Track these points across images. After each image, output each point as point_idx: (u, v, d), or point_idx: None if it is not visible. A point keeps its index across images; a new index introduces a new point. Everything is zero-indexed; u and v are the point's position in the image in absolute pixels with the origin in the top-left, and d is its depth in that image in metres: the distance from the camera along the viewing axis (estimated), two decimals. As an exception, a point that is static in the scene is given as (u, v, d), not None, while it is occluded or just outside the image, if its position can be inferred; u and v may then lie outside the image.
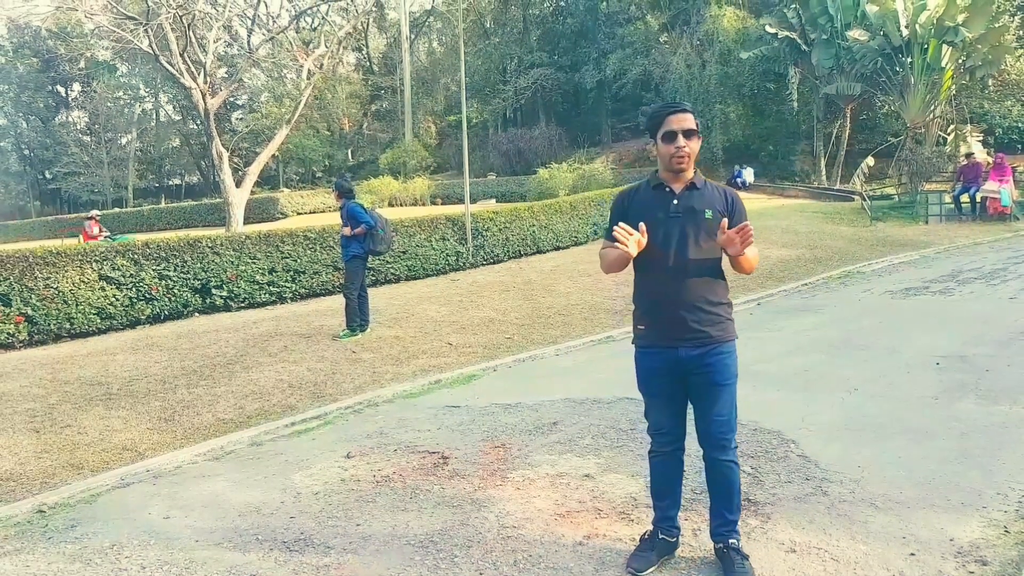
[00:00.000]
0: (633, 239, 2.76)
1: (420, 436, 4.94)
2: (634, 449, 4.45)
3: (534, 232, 15.02)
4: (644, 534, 3.17)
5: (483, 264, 13.86)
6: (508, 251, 14.44)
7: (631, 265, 2.97)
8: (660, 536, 3.09)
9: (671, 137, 2.84)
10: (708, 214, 2.86)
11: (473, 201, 18.61)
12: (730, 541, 2.99)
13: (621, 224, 2.78)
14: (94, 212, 22.40)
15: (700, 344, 2.86)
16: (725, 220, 2.78)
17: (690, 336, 2.86)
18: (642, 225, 2.80)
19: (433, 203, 31.92)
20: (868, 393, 5.35)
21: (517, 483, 4.04)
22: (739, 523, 3.06)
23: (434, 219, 13.20)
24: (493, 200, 28.87)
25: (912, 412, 4.88)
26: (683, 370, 2.90)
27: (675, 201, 2.89)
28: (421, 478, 4.19)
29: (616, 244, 2.78)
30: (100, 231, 19.36)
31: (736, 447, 2.99)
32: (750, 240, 2.76)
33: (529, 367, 6.94)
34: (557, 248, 15.60)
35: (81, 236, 18.71)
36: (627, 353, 7.22)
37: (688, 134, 2.84)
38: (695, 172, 2.94)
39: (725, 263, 2.95)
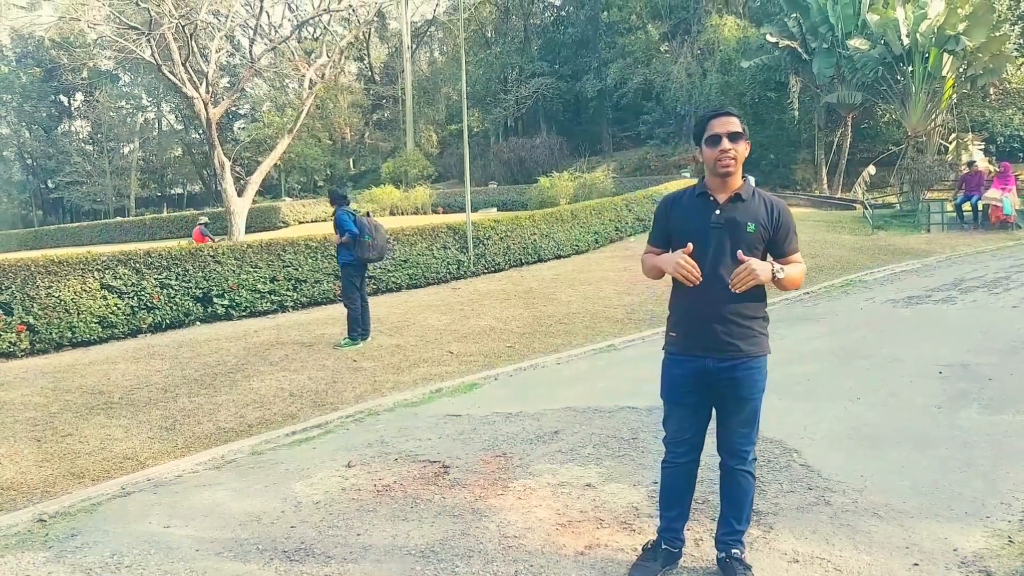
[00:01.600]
0: (695, 273, 2.73)
1: (421, 445, 4.93)
2: (636, 458, 4.44)
3: (535, 241, 15.03)
4: (647, 544, 3.15)
5: (484, 273, 13.86)
6: (509, 260, 14.45)
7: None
8: (663, 546, 3.06)
9: (715, 141, 2.79)
10: (751, 227, 2.80)
11: (474, 210, 18.63)
12: (733, 551, 2.98)
13: (687, 259, 2.73)
14: (203, 217, 23.22)
15: (729, 357, 2.82)
16: (740, 252, 2.74)
17: (720, 348, 2.82)
18: (690, 246, 2.76)
19: (434, 212, 31.97)
20: (870, 402, 5.33)
21: (518, 492, 4.02)
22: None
23: (435, 228, 13.21)
24: (494, 209, 28.91)
25: (915, 421, 4.86)
26: (709, 381, 2.87)
27: (717, 212, 2.83)
28: (422, 487, 4.18)
29: (677, 270, 2.75)
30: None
31: (755, 459, 2.98)
32: (741, 287, 2.70)
33: (530, 376, 6.92)
34: (558, 257, 15.61)
35: (193, 238, 19.49)
36: (629, 361, 7.22)
37: (733, 137, 2.78)
38: (744, 182, 2.87)
39: None
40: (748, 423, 2.93)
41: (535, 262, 15.00)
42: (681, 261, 2.73)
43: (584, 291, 11.40)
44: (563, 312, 9.83)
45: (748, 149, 2.84)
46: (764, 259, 2.85)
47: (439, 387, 6.50)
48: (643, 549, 3.14)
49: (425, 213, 31.92)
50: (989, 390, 5.45)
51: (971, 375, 5.88)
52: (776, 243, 2.87)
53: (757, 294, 2.84)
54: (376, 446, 4.97)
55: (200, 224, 20.60)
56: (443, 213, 30.55)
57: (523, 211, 19.63)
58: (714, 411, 3.00)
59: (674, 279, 2.90)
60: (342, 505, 3.99)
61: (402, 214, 31.84)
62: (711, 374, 2.84)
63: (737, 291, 2.71)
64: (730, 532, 3.00)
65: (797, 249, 2.92)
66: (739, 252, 2.73)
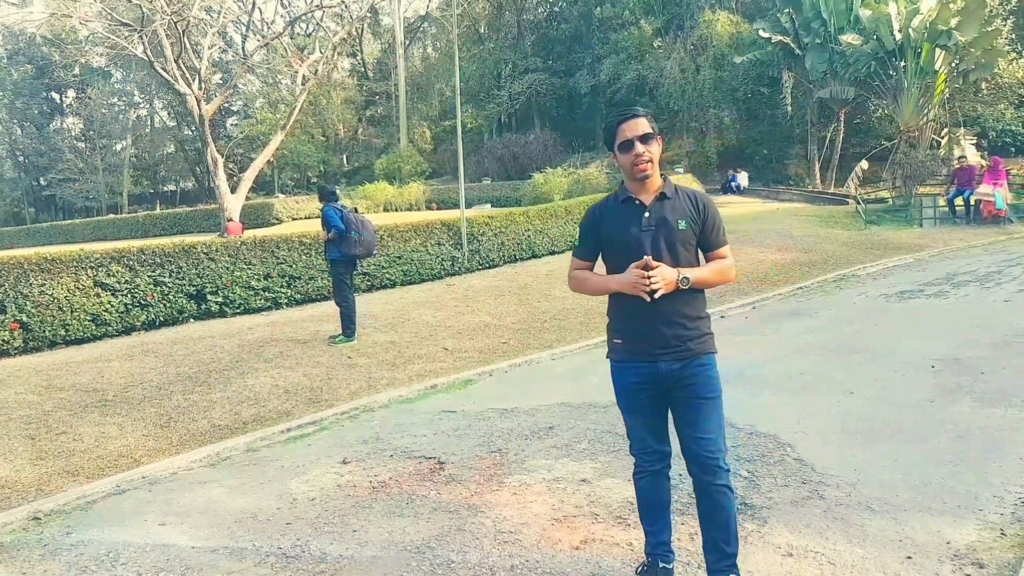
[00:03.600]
0: (659, 285, 2.64)
1: (416, 441, 4.94)
2: (631, 453, 4.45)
3: (529, 237, 15.03)
4: (639, 569, 2.98)
5: (479, 269, 13.86)
6: (504, 256, 14.44)
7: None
8: (660, 564, 2.91)
9: (628, 146, 2.72)
10: (682, 224, 2.74)
11: (468, 206, 18.62)
12: None
13: (643, 273, 2.63)
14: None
15: (680, 357, 2.73)
16: (647, 258, 2.64)
17: (670, 349, 2.72)
18: (646, 259, 2.65)
19: (428, 208, 31.93)
20: (864, 396, 5.36)
21: (513, 488, 4.03)
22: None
23: (429, 224, 13.20)
24: (488, 205, 28.91)
25: (908, 415, 4.89)
26: (664, 385, 2.76)
27: (646, 214, 2.75)
28: (417, 484, 4.18)
29: (638, 288, 2.65)
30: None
31: (728, 470, 2.78)
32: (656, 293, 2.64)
33: (525, 372, 6.93)
34: (552, 253, 15.61)
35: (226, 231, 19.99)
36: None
37: (645, 139, 2.71)
38: (664, 181, 2.81)
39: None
40: (712, 427, 2.76)
41: (529, 258, 15.00)
42: (639, 279, 2.64)
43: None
44: (557, 308, 9.84)
45: (661, 146, 2.78)
46: (696, 254, 2.81)
47: (434, 383, 6.51)
48: (637, 574, 2.98)
49: (419, 209, 31.88)
50: (981, 384, 5.48)
51: (964, 369, 5.92)
52: (704, 237, 2.79)
53: (699, 294, 2.79)
54: (371, 443, 4.98)
55: (229, 221, 20.83)
56: (437, 209, 30.52)
57: (517, 207, 19.63)
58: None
59: None
60: (337, 502, 3.99)
61: (396, 210, 31.78)
62: (664, 377, 2.74)
63: (652, 296, 2.64)
64: (721, 557, 2.77)
65: (725, 242, 2.85)
66: (646, 258, 2.64)
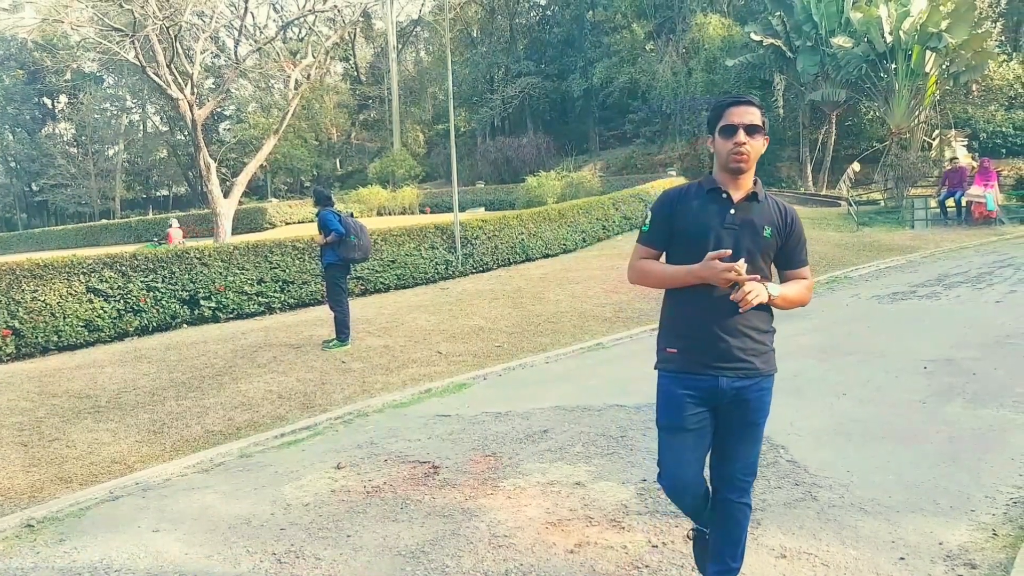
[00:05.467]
0: (743, 276, 2.39)
1: (410, 446, 4.93)
2: (624, 456, 4.46)
3: (523, 240, 15.05)
4: (690, 534, 2.90)
5: (472, 272, 13.87)
6: (497, 259, 14.45)
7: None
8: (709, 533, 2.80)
9: (730, 131, 2.47)
10: (767, 232, 2.51)
11: (462, 210, 18.63)
12: None
13: (726, 264, 2.37)
14: (174, 220, 24.11)
15: (747, 376, 2.51)
16: (742, 262, 2.41)
17: (736, 365, 2.49)
18: (724, 252, 2.40)
19: (422, 212, 31.94)
20: (857, 397, 5.38)
21: (508, 492, 4.04)
22: None
23: (423, 228, 13.20)
24: (482, 208, 28.93)
25: (900, 416, 4.91)
26: (718, 402, 2.54)
27: (732, 211, 2.51)
28: (412, 488, 4.18)
29: (720, 278, 2.39)
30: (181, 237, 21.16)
31: (752, 489, 2.69)
32: (745, 305, 2.40)
33: (519, 375, 6.94)
34: (546, 256, 15.63)
35: (166, 240, 20.50)
36: (617, 360, 7.23)
37: (751, 130, 2.46)
38: (756, 181, 2.57)
39: None
40: (753, 452, 2.64)
41: (523, 261, 15.02)
42: (724, 271, 2.37)
43: (572, 290, 11.42)
44: (551, 311, 9.85)
45: (766, 145, 2.55)
46: (770, 267, 2.61)
47: (428, 387, 6.50)
48: (690, 538, 2.90)
49: (412, 213, 31.89)
50: (973, 385, 5.51)
51: (955, 370, 5.95)
52: (787, 252, 2.58)
53: (769, 307, 2.57)
54: (365, 447, 4.97)
55: (170, 228, 21.80)
56: (431, 213, 30.53)
57: (511, 211, 19.64)
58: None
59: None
60: (332, 507, 3.99)
61: (389, 214, 31.79)
62: (722, 394, 2.51)
63: (742, 308, 2.41)
64: (724, 570, 2.71)
65: (807, 262, 2.65)
66: (741, 261, 2.40)
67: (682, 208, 2.59)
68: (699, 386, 2.53)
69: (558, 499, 3.90)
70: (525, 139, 37.80)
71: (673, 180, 25.33)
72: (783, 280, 2.64)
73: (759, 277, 2.45)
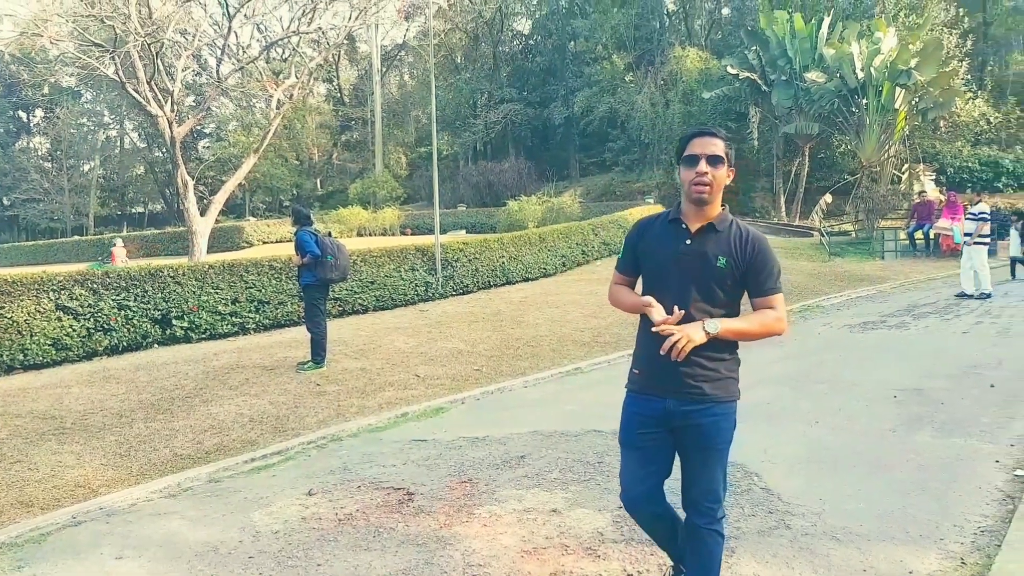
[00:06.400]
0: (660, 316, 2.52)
1: (385, 472, 4.88)
2: (601, 483, 4.45)
3: (503, 263, 15.08)
4: (667, 573, 2.96)
5: (453, 295, 13.85)
6: (478, 282, 14.46)
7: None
8: (683, 568, 2.86)
9: (692, 161, 2.53)
10: (721, 261, 2.53)
11: (443, 232, 18.64)
12: None
13: (651, 302, 2.55)
14: (118, 240, 24.17)
15: (692, 400, 2.56)
16: (676, 315, 2.49)
17: (683, 389, 2.56)
18: (675, 315, 2.50)
19: (403, 233, 31.93)
20: (829, 426, 5.43)
21: (484, 519, 4.00)
22: None
23: (403, 249, 13.19)
24: (463, 231, 29.01)
25: (871, 445, 4.96)
26: (671, 425, 2.61)
27: (687, 241, 2.58)
28: (385, 516, 4.13)
29: (644, 308, 2.58)
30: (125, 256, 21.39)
31: (724, 517, 2.71)
32: (676, 355, 2.45)
33: (497, 399, 6.91)
34: (526, 279, 15.67)
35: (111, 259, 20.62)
36: (595, 385, 7.25)
37: (713, 160, 2.52)
38: (723, 210, 2.62)
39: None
40: (713, 478, 2.64)
41: (503, 284, 15.03)
42: (657, 326, 2.51)
43: (551, 314, 11.44)
44: (531, 335, 9.85)
45: (730, 177, 2.59)
46: (736, 295, 2.62)
47: (405, 411, 6.45)
48: None
49: (393, 234, 31.87)
50: (941, 414, 5.59)
51: (924, 399, 6.03)
52: (749, 280, 2.59)
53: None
54: (338, 473, 4.91)
55: (115, 246, 22.02)
56: (412, 235, 30.54)
57: (492, 234, 19.71)
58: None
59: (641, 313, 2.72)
60: (302, 535, 3.92)
61: (370, 235, 31.73)
62: (673, 417, 2.59)
63: (676, 358, 2.46)
64: None
65: (777, 291, 2.61)
66: (675, 309, 2.50)
67: (646, 237, 2.71)
68: (651, 406, 2.64)
69: (534, 527, 3.87)
70: (507, 164, 38.07)
71: (651, 207, 25.59)
72: (753, 309, 2.66)
73: (682, 331, 2.46)
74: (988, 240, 12.03)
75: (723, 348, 2.59)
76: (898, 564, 3.28)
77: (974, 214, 11.90)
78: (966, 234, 12.02)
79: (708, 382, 2.56)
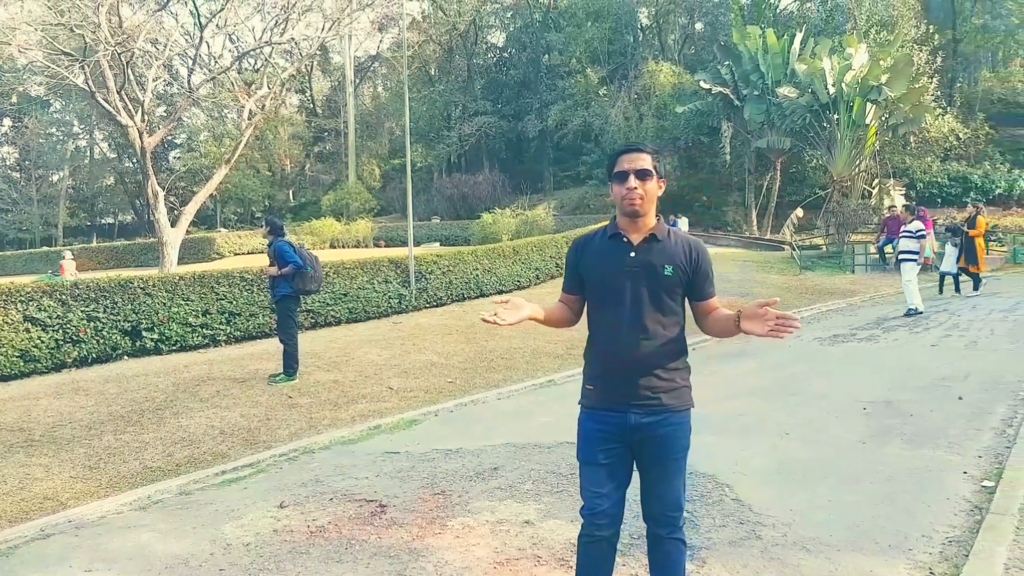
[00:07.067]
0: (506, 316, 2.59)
1: (357, 484, 4.85)
2: (574, 494, 4.45)
3: (477, 276, 15.09)
4: None
5: (426, 307, 13.82)
6: (451, 294, 14.44)
7: (584, 319, 2.80)
8: None
9: (622, 177, 2.59)
10: (668, 270, 2.59)
11: (417, 244, 18.62)
12: None
13: (499, 301, 2.60)
14: (67, 253, 23.93)
15: (652, 412, 2.58)
16: (776, 299, 2.48)
17: (642, 401, 2.58)
18: (504, 297, 2.61)
19: (376, 245, 31.83)
20: (799, 437, 5.50)
21: (456, 531, 3.99)
22: None
23: (376, 261, 13.14)
24: (437, 243, 28.97)
25: (841, 456, 5.03)
26: (630, 439, 2.61)
27: (632, 254, 2.61)
28: (357, 528, 4.10)
29: (495, 321, 2.58)
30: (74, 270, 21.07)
31: (684, 523, 2.73)
32: (786, 330, 2.42)
33: (471, 411, 6.90)
34: (500, 292, 15.68)
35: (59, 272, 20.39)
36: (569, 397, 7.24)
37: (642, 174, 2.57)
38: (658, 221, 2.67)
39: (690, 321, 2.72)
40: (674, 488, 2.66)
41: (477, 297, 15.03)
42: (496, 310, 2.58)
43: (526, 327, 11.43)
44: (504, 347, 9.85)
45: (662, 188, 2.65)
46: (682, 303, 2.68)
47: (378, 424, 6.42)
48: None
49: (366, 246, 31.76)
50: (910, 426, 5.68)
51: (893, 411, 6.13)
52: (694, 286, 2.66)
53: (679, 344, 2.66)
54: (310, 485, 4.87)
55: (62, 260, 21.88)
56: (385, 247, 30.44)
57: (466, 246, 19.71)
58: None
59: (590, 326, 2.74)
60: (273, 547, 3.88)
61: (343, 247, 31.59)
62: (633, 430, 2.59)
63: (786, 332, 2.43)
64: None
65: (715, 294, 2.72)
66: (774, 301, 2.48)
67: (587, 255, 2.73)
68: (610, 421, 2.62)
69: (507, 538, 3.87)
70: (481, 176, 38.17)
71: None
72: (696, 312, 2.72)
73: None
74: (919, 257, 12.01)
75: (677, 358, 2.64)
76: (867, 574, 3.33)
77: (911, 232, 11.84)
78: (912, 252, 11.85)
79: (665, 392, 2.60)
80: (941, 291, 14.21)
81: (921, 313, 11.55)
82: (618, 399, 2.61)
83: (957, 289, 14.16)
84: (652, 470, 2.65)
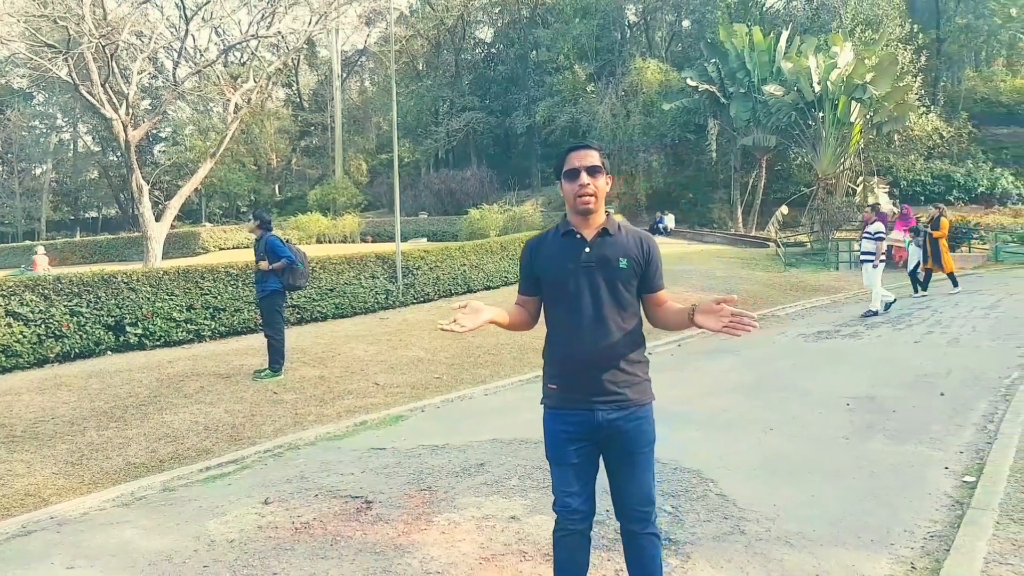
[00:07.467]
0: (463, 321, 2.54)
1: (343, 480, 4.84)
2: (559, 490, 4.47)
3: (465, 272, 15.06)
4: None
5: (413, 303, 13.79)
6: (439, 290, 14.41)
7: (542, 318, 2.77)
8: None
9: (573, 175, 2.60)
10: (623, 263, 2.60)
11: (404, 240, 18.58)
12: None
13: (457, 307, 2.56)
14: (40, 248, 23.56)
15: (618, 407, 2.59)
16: (734, 296, 2.51)
17: (607, 397, 2.58)
18: (459, 302, 2.56)
19: (363, 241, 31.71)
20: (783, 433, 5.53)
21: (442, 527, 3.99)
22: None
23: (363, 257, 13.09)
24: (424, 239, 28.90)
25: (824, 452, 5.07)
26: (599, 435, 2.61)
27: (587, 249, 2.62)
28: (343, 524, 4.09)
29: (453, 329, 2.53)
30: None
31: (657, 516, 2.73)
32: (741, 328, 2.46)
33: (458, 407, 6.90)
34: (487, 288, 15.66)
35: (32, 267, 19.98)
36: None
37: (592, 171, 2.59)
38: (607, 216, 2.69)
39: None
40: (645, 482, 2.65)
41: (465, 293, 15.00)
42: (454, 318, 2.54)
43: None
44: (491, 343, 9.85)
45: (609, 185, 2.67)
46: (637, 297, 2.69)
47: (364, 420, 6.40)
48: None
49: (354, 242, 31.63)
50: (893, 421, 5.74)
51: (876, 407, 6.18)
52: (646, 278, 2.68)
53: (638, 337, 2.66)
54: (295, 482, 4.85)
55: (37, 254, 21.56)
56: (372, 242, 30.33)
57: (453, 242, 19.68)
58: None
59: (549, 325, 2.71)
60: (258, 544, 3.87)
61: (329, 242, 31.46)
62: (600, 427, 2.59)
63: (741, 331, 2.47)
64: None
65: (664, 286, 2.75)
66: (732, 297, 2.51)
67: (540, 254, 2.73)
68: (576, 420, 2.61)
69: (493, 534, 3.88)
70: (469, 172, 38.09)
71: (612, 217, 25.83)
72: (646, 305, 2.74)
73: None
74: (884, 258, 12.03)
75: (637, 350, 2.66)
76: (850, 569, 3.36)
77: (870, 233, 11.78)
78: (869, 253, 11.83)
79: (629, 387, 2.61)
80: (915, 290, 14.32)
81: (877, 313, 11.56)
82: (583, 397, 2.60)
83: (915, 289, 14.21)
84: (622, 466, 2.65)
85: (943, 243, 14.07)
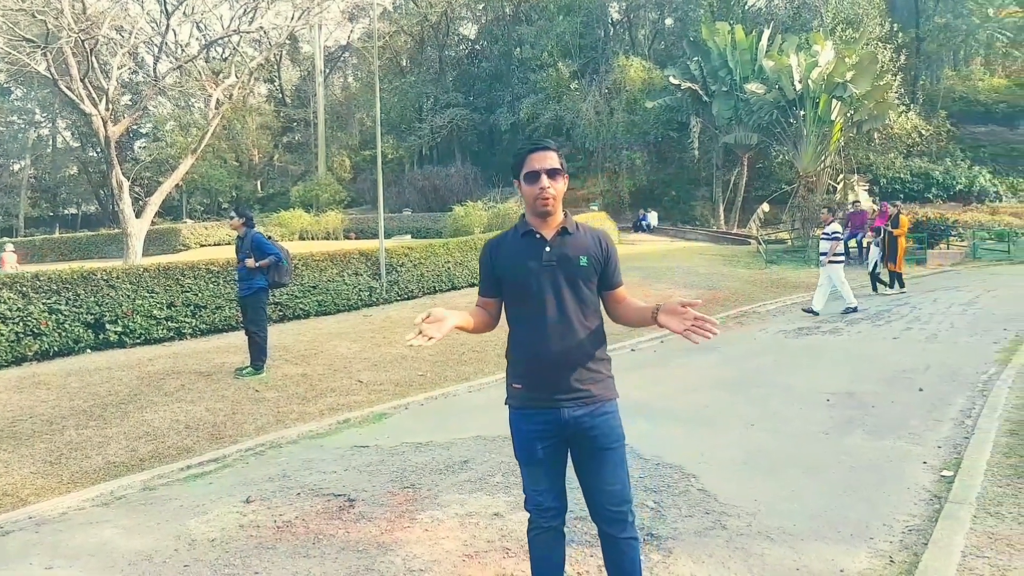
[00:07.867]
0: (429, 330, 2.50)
1: (325, 478, 4.82)
2: (542, 487, 4.48)
3: (449, 269, 15.05)
4: None
5: (397, 300, 13.75)
6: (423, 287, 14.39)
7: (503, 319, 2.77)
8: None
9: (533, 178, 2.59)
10: (583, 261, 2.62)
11: (388, 236, 18.49)
12: None
13: (419, 320, 2.52)
14: (8, 245, 23.05)
15: (584, 403, 2.59)
16: (699, 300, 2.54)
17: (573, 395, 2.58)
18: (430, 312, 2.53)
19: (347, 237, 31.56)
20: (764, 428, 5.58)
21: (425, 524, 3.99)
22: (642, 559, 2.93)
23: (347, 253, 13.03)
24: (408, 236, 28.82)
25: (804, 447, 5.12)
26: (566, 433, 2.61)
27: (547, 249, 2.62)
28: (325, 522, 4.08)
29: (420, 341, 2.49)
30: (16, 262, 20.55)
31: (634, 519, 2.69)
32: (701, 332, 2.48)
33: (442, 404, 6.90)
34: (472, 285, 15.64)
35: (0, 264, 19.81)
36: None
37: (552, 173, 2.59)
38: (565, 215, 2.69)
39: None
40: (618, 479, 2.62)
41: (449, 290, 14.99)
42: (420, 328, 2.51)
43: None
44: (475, 340, 9.84)
45: (566, 184, 2.67)
46: (596, 293, 2.70)
47: (347, 417, 6.38)
48: None
49: (337, 238, 31.47)
50: (872, 417, 5.80)
51: (856, 403, 6.25)
52: (606, 275, 2.70)
53: (601, 335, 2.68)
54: (277, 480, 4.83)
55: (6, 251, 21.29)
56: (355, 239, 30.19)
57: (437, 239, 19.63)
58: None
59: (511, 325, 2.72)
60: (240, 543, 3.85)
61: (312, 239, 31.28)
62: (566, 425, 2.59)
63: (706, 334, 2.50)
64: None
65: (623, 283, 2.77)
66: (695, 301, 2.53)
67: (501, 255, 2.72)
68: (543, 419, 2.62)
69: (476, 531, 3.88)
70: (453, 169, 38.02)
71: (595, 214, 25.88)
72: (606, 302, 2.75)
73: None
74: (843, 258, 12.09)
75: (600, 347, 2.67)
76: (830, 563, 3.40)
77: (827, 234, 11.85)
78: (821, 253, 11.97)
79: (595, 384, 2.62)
80: (875, 289, 14.32)
81: (856, 310, 11.60)
82: (548, 396, 2.61)
83: (874, 288, 14.27)
84: (592, 463, 2.64)
85: (901, 241, 14.23)
